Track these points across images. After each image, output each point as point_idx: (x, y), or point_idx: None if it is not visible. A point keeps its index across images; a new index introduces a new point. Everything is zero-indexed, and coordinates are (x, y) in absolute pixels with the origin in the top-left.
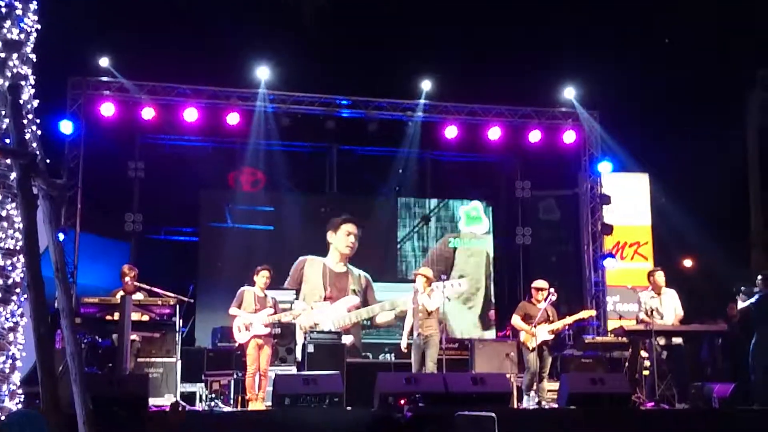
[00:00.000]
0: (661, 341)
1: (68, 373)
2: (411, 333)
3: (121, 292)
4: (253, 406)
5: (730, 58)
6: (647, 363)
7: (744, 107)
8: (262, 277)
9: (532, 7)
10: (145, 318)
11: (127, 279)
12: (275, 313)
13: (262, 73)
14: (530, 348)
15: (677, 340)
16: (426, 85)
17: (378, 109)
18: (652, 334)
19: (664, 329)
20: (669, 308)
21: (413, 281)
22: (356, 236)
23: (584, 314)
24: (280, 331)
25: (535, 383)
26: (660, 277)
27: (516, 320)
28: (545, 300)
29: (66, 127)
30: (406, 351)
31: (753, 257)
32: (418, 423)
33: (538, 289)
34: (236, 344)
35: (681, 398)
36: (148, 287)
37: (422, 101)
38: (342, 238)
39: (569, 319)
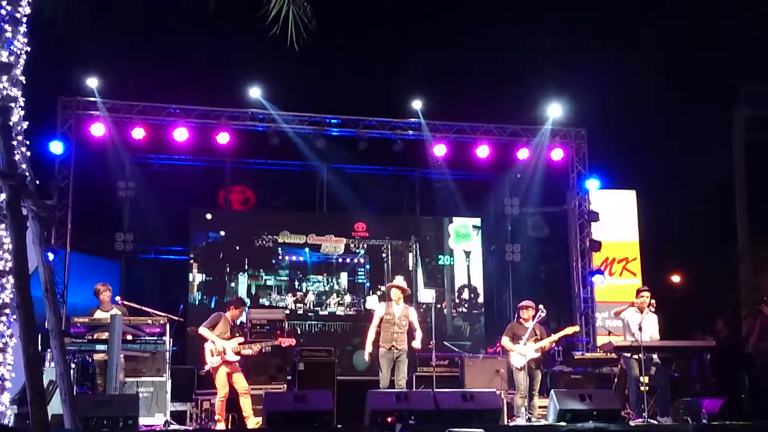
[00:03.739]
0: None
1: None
2: (375, 342)
3: (99, 311)
4: (220, 426)
5: (714, 74)
6: (644, 379)
7: (729, 123)
8: (238, 311)
9: (519, 25)
10: (129, 336)
11: (102, 296)
12: (245, 342)
13: (254, 92)
14: (518, 368)
15: (657, 357)
16: (416, 104)
17: (368, 127)
18: (640, 349)
19: (653, 345)
20: (648, 328)
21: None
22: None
23: (569, 330)
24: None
25: (525, 401)
26: (644, 297)
27: (505, 341)
28: (533, 318)
29: (56, 147)
30: (368, 360)
31: (740, 272)
32: None
33: (525, 308)
34: (206, 367)
35: (663, 414)
36: (137, 306)
37: (414, 120)
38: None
39: (555, 337)
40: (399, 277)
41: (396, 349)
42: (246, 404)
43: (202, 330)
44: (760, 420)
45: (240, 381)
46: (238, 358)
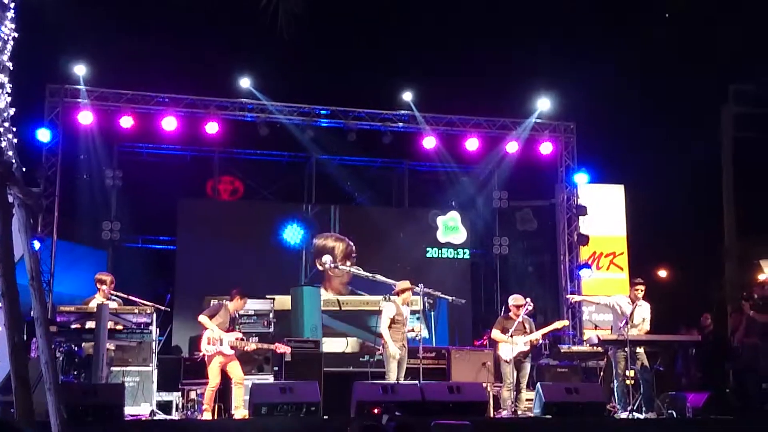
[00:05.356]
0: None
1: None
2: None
3: (96, 299)
4: (206, 416)
5: (704, 72)
6: (630, 373)
7: (718, 121)
8: (242, 302)
9: (510, 20)
10: (120, 327)
11: (104, 287)
12: (242, 339)
13: (244, 82)
14: (507, 360)
15: (641, 351)
16: (407, 96)
17: (357, 119)
18: (626, 343)
19: (639, 339)
20: (639, 320)
21: (395, 293)
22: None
23: (558, 325)
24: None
25: (512, 394)
26: (639, 291)
27: (496, 333)
28: (521, 311)
29: (43, 135)
30: (397, 358)
31: (726, 267)
32: None
33: (517, 306)
34: (200, 354)
35: (648, 408)
36: (124, 296)
37: (403, 112)
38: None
39: (544, 330)
40: (405, 281)
41: (404, 347)
42: (238, 394)
43: (202, 318)
44: (744, 415)
45: (235, 370)
46: (233, 352)
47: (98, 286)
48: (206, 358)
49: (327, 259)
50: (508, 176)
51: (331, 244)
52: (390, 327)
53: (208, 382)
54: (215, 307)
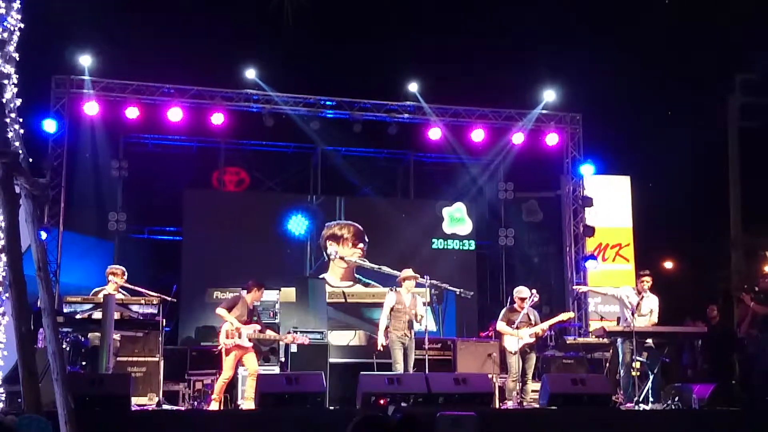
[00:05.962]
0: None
1: (50, 372)
2: (386, 331)
3: (106, 291)
4: (213, 407)
5: (710, 62)
6: (636, 364)
7: (724, 111)
8: (259, 293)
9: (516, 10)
10: (127, 317)
11: (116, 280)
12: (261, 330)
13: (250, 73)
14: (512, 351)
15: (649, 342)
16: (412, 86)
17: (362, 110)
18: (632, 335)
19: (644, 330)
20: (646, 311)
21: (399, 283)
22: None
23: (564, 316)
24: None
25: (518, 385)
26: (645, 282)
27: (501, 325)
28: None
29: (50, 125)
30: (382, 350)
31: (733, 259)
32: (408, 425)
33: (522, 299)
34: (219, 346)
35: (654, 399)
36: (131, 287)
37: (409, 103)
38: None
39: (550, 322)
40: (408, 269)
41: (407, 336)
42: (251, 385)
43: (219, 310)
44: (750, 406)
45: (251, 362)
46: (251, 344)
47: (110, 278)
48: (224, 351)
49: (332, 249)
50: (513, 167)
51: (339, 232)
52: (391, 316)
53: (221, 374)
54: (233, 300)
